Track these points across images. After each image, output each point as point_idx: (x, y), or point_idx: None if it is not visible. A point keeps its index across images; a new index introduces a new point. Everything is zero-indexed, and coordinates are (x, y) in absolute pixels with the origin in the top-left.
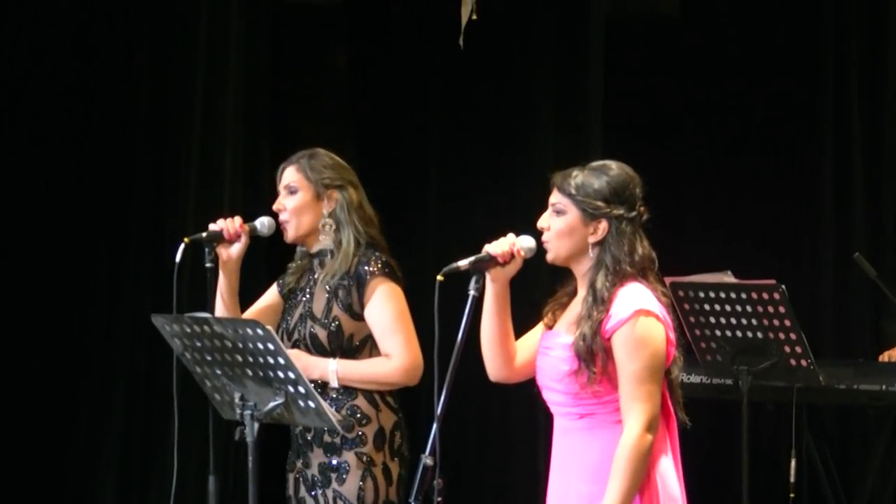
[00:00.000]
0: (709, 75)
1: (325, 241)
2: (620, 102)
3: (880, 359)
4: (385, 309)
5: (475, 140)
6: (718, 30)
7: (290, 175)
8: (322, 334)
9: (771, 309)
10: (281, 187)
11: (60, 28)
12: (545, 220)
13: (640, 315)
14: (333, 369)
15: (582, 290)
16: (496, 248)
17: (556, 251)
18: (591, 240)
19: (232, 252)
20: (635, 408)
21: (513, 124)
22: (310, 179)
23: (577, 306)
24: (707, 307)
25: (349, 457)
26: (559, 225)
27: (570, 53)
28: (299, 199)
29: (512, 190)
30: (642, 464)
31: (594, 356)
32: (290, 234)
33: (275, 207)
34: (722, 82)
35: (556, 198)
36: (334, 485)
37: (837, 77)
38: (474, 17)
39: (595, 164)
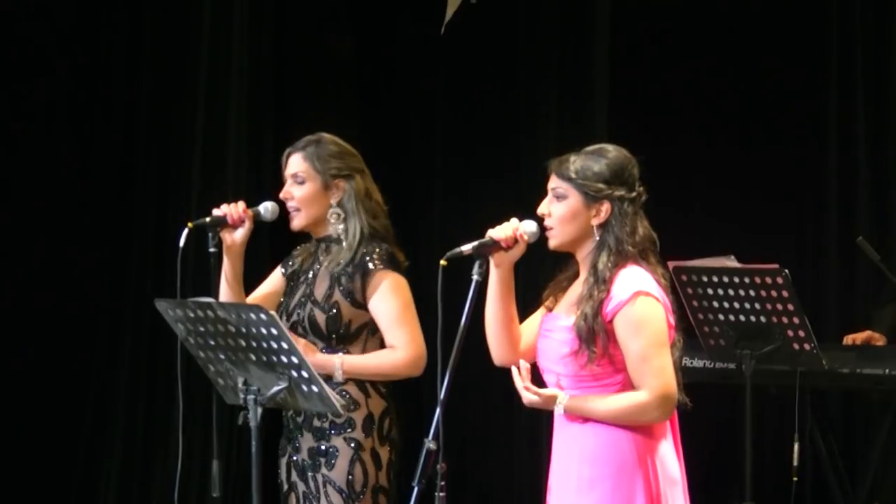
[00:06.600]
0: (714, 63)
1: (331, 229)
2: (625, 93)
3: (845, 341)
4: (391, 301)
5: (480, 130)
6: (724, 17)
7: (296, 164)
8: (321, 318)
9: (774, 293)
10: (287, 175)
11: (63, 14)
12: (545, 207)
13: (638, 296)
14: (338, 364)
15: (583, 272)
16: (499, 232)
17: (560, 237)
18: (595, 222)
19: (236, 237)
20: (649, 383)
21: (518, 115)
22: (317, 170)
23: (577, 288)
24: (710, 291)
25: (338, 442)
26: (561, 210)
27: (576, 43)
28: (307, 190)
29: (517, 181)
30: (630, 420)
31: (595, 336)
32: (298, 223)
33: (282, 196)
34: (728, 70)
35: (555, 182)
36: (323, 470)
37: (842, 63)
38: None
39: (591, 148)
